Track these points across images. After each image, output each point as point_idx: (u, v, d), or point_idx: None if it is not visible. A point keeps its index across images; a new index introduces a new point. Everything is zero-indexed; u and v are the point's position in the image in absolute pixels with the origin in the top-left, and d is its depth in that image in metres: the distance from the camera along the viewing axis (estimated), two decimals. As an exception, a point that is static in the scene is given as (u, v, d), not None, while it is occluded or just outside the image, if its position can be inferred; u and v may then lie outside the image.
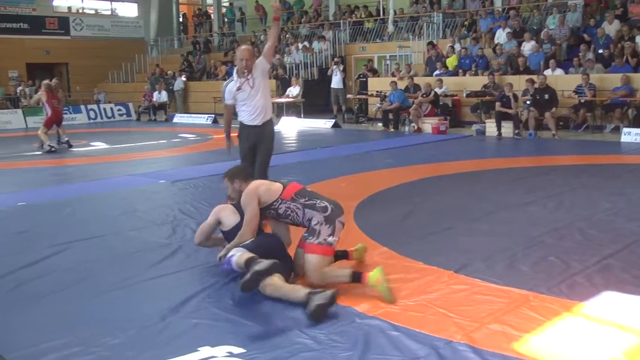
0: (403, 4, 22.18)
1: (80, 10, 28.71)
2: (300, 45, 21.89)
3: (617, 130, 13.23)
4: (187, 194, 7.83)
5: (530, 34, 16.61)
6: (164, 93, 21.59)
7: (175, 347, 3.39)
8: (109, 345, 3.46)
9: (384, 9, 22.68)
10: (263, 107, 6.18)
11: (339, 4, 24.93)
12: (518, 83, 14.40)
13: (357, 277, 4.09)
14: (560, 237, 5.41)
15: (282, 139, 13.82)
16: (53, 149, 12.85)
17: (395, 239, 5.40)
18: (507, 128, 13.40)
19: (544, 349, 3.29)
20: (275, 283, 4.04)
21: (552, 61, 15.02)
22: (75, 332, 3.62)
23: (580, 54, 15.02)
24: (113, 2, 29.49)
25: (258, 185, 4.49)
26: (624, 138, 12.16)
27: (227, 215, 4.66)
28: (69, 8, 28.27)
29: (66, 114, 16.57)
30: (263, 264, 3.93)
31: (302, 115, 18.43)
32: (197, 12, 31.62)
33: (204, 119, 19.65)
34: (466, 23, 19.61)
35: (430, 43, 18.54)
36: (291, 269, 4.36)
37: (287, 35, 23.69)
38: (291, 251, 4.52)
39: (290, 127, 16.85)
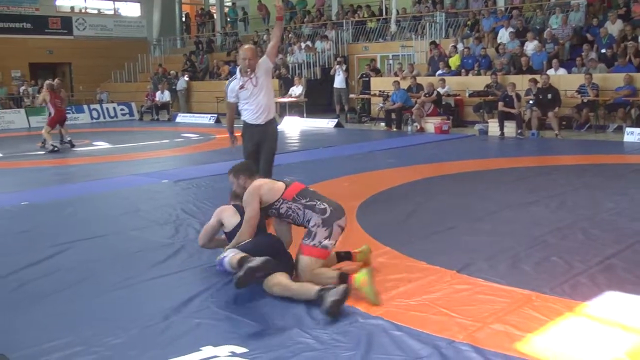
0: (406, 3, 22.16)
1: (83, 10, 28.72)
2: (302, 45, 21.88)
3: (620, 130, 13.21)
4: (190, 194, 7.83)
5: (533, 33, 16.58)
6: (166, 93, 21.60)
7: (178, 347, 3.39)
8: (111, 344, 3.46)
9: (386, 8, 22.68)
10: (266, 106, 6.18)
11: (341, 3, 24.91)
12: (521, 83, 14.38)
13: (344, 278, 4.09)
14: (563, 237, 5.40)
15: (285, 139, 13.83)
16: (56, 149, 12.88)
17: (397, 239, 5.40)
18: (510, 128, 13.38)
19: (546, 349, 3.29)
20: (283, 283, 4.05)
21: (555, 61, 15.01)
22: (77, 332, 3.62)
23: (583, 53, 15.00)
24: (116, 2, 29.49)
25: (261, 185, 4.50)
26: (627, 138, 12.14)
27: (228, 216, 4.68)
28: (72, 8, 28.28)
29: (69, 113, 16.59)
30: (256, 260, 3.94)
31: (304, 115, 18.43)
32: (199, 12, 31.61)
33: (206, 119, 19.66)
34: (469, 23, 19.59)
35: (433, 43, 18.53)
36: (293, 268, 4.36)
37: (290, 35, 23.68)
38: (293, 250, 4.51)
39: (292, 127, 16.85)
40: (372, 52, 21.67)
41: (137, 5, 29.81)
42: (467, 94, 15.94)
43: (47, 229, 6.27)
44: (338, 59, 19.41)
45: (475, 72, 16.54)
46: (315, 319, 3.73)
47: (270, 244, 4.45)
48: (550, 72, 14.55)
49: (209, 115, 19.78)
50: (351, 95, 18.98)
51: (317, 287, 3.90)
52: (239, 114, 6.40)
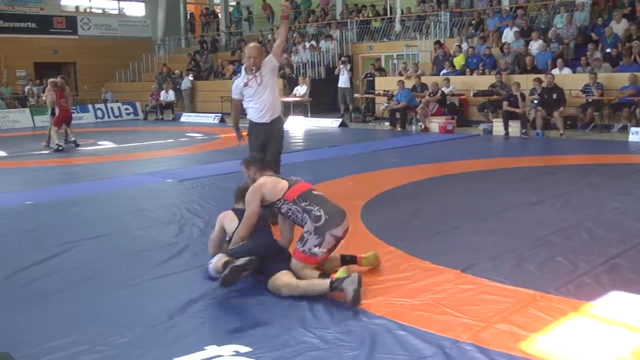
0: (410, 3, 22.13)
1: (88, 10, 28.81)
2: (307, 45, 21.89)
3: (624, 129, 13.17)
4: (194, 193, 7.84)
5: (538, 33, 16.55)
6: (171, 92, 21.64)
7: (182, 346, 3.40)
8: (116, 344, 3.47)
9: (391, 8, 22.66)
10: (271, 105, 6.17)
11: (346, 3, 24.89)
12: (525, 82, 14.35)
13: (326, 276, 4.13)
14: (568, 237, 5.39)
15: (290, 138, 13.81)
16: (60, 148, 12.91)
17: (402, 238, 5.40)
18: (515, 127, 13.35)
19: (551, 348, 3.28)
20: (290, 282, 4.07)
21: (559, 60, 14.97)
22: (82, 331, 3.63)
23: (587, 53, 14.96)
24: (120, 2, 29.58)
25: (264, 183, 4.50)
26: (632, 137, 12.09)
27: (229, 221, 4.70)
28: (77, 7, 28.37)
29: (74, 113, 16.61)
30: (240, 260, 4.00)
31: (309, 115, 18.43)
32: (204, 12, 31.67)
33: (211, 118, 19.66)
34: (473, 22, 19.56)
35: (438, 42, 18.50)
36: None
37: (295, 34, 23.69)
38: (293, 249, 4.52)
39: (297, 126, 16.84)
40: (376, 51, 21.68)
41: (142, 5, 29.89)
42: (471, 94, 15.91)
43: (52, 228, 6.28)
44: (342, 59, 19.42)
45: (480, 71, 16.51)
46: (319, 318, 3.73)
47: (270, 244, 4.47)
48: (555, 71, 14.51)
49: (214, 115, 19.78)
50: (355, 95, 18.97)
51: (327, 280, 3.96)
52: (243, 112, 6.40)
